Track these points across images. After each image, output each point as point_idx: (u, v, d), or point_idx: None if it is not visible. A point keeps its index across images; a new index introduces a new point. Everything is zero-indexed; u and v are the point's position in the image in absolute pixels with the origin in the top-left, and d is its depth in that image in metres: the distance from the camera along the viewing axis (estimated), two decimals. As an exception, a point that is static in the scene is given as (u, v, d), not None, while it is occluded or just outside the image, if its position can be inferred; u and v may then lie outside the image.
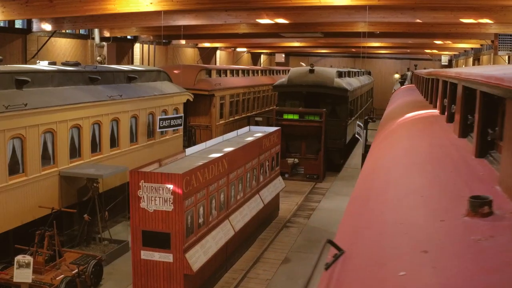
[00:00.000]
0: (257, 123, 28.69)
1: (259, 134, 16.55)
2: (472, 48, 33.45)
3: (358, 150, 32.57)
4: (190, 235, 10.58)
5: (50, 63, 14.79)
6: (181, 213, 10.08)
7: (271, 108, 33.40)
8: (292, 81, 24.91)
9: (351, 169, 27.36)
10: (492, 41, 25.84)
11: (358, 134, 17.79)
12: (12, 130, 11.72)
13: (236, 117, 27.01)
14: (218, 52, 39.79)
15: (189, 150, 13.04)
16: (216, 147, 14.06)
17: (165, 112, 18.97)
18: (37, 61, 15.26)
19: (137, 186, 10.23)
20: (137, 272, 10.53)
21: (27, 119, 12.13)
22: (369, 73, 47.43)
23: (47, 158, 13.05)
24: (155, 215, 10.21)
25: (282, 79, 26.42)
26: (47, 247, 11.37)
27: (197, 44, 34.30)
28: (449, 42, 27.39)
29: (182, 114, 18.96)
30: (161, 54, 30.33)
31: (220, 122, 24.86)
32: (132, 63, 27.21)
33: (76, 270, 11.42)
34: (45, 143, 12.93)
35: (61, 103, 13.32)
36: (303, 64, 56.42)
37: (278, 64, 54.66)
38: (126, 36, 26.81)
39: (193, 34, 25.72)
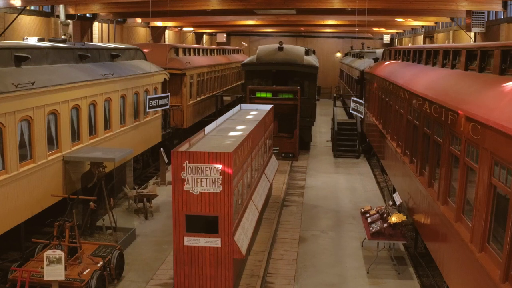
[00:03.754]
0: (222, 103, 28.07)
1: (255, 112, 16.06)
2: (422, 26, 34.35)
3: (317, 128, 32.75)
4: (235, 217, 10.02)
5: (39, 39, 13.41)
6: (230, 194, 9.47)
7: (228, 87, 32.75)
8: (262, 59, 24.40)
9: (319, 146, 27.48)
10: (452, 19, 26.64)
11: (356, 110, 17.55)
12: (21, 112, 10.53)
13: (202, 97, 26.19)
14: (166, 32, 38.42)
15: (207, 129, 12.36)
16: (225, 126, 13.45)
17: (146, 91, 17.98)
18: (24, 38, 13.80)
19: (180, 167, 9.48)
20: (180, 260, 9.82)
21: (35, 99, 10.94)
22: (314, 52, 47.71)
23: (50, 142, 11.90)
24: (201, 197, 9.53)
25: (251, 57, 25.84)
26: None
27: (149, 23, 32.87)
28: (411, 19, 27.91)
29: (168, 94, 18.03)
30: (117, 33, 28.71)
31: (190, 102, 24.00)
32: (91, 42, 25.51)
33: (101, 263, 10.55)
34: (49, 126, 11.77)
35: (63, 81, 12.14)
36: (244, 43, 56.04)
37: (219, 44, 53.89)
38: (86, 15, 25.06)
39: (155, 11, 24.45)
